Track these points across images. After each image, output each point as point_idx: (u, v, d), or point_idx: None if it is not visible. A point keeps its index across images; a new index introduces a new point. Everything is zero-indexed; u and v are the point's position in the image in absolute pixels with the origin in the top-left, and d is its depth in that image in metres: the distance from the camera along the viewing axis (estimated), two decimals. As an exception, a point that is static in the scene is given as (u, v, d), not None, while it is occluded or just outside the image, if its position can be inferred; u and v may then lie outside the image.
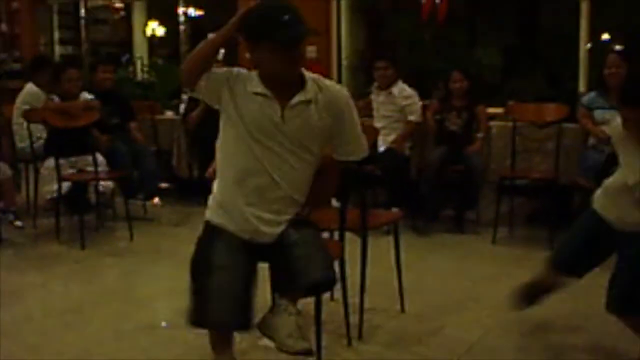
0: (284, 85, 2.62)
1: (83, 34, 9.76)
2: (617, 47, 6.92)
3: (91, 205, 5.92)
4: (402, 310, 3.80)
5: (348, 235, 3.36)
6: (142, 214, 6.21)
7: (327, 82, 2.76)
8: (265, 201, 2.65)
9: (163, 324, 3.67)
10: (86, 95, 5.94)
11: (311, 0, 7.29)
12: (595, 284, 3.24)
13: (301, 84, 2.64)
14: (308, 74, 2.68)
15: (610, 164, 4.69)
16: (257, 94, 2.62)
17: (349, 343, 3.36)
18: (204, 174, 5.93)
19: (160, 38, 10.15)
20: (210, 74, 2.69)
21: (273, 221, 2.67)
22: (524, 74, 8.09)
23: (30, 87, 6.47)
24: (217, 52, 2.79)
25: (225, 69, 2.75)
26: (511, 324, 3.66)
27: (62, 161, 5.44)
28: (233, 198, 2.68)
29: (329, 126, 2.68)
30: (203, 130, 6.23)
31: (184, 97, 7.42)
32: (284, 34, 2.55)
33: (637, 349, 3.10)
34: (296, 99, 2.62)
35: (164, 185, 6.81)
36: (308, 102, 2.63)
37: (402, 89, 5.93)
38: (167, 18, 9.72)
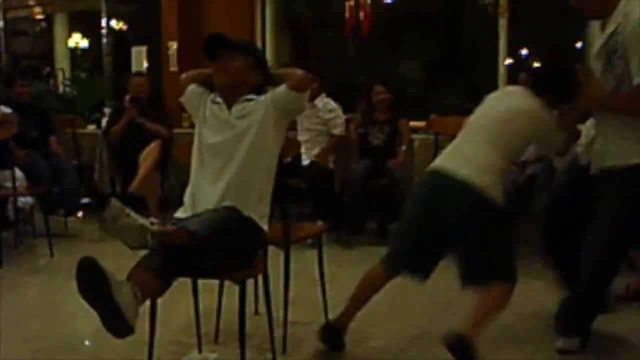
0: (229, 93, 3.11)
1: (2, 45, 9.55)
2: (534, 65, 7.14)
3: (10, 221, 5.77)
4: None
5: (272, 248, 3.38)
6: (62, 230, 6.08)
7: None
8: None
9: (86, 342, 3.60)
10: (3, 109, 5.79)
11: (235, 13, 7.36)
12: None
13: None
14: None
15: (530, 180, 4.87)
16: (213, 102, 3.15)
17: (274, 357, 3.35)
18: (127, 188, 5.90)
19: (83, 50, 9.99)
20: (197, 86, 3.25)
21: None
22: (446, 87, 8.25)
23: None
24: (205, 82, 3.24)
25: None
26: (437, 332, 3.71)
27: (-21, 177, 5.30)
28: None
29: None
30: (125, 145, 6.17)
31: (107, 110, 7.33)
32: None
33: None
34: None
35: (85, 200, 6.69)
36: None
37: (326, 103, 5.99)
38: (90, 30, 9.59)
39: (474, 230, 3.18)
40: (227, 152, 3.03)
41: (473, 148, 3.31)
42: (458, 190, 3.16)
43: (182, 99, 3.30)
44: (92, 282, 2.40)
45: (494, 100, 3.55)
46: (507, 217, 3.32)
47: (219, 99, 3.15)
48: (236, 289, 2.86)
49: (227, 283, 3.29)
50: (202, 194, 3.02)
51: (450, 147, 3.42)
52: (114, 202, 2.60)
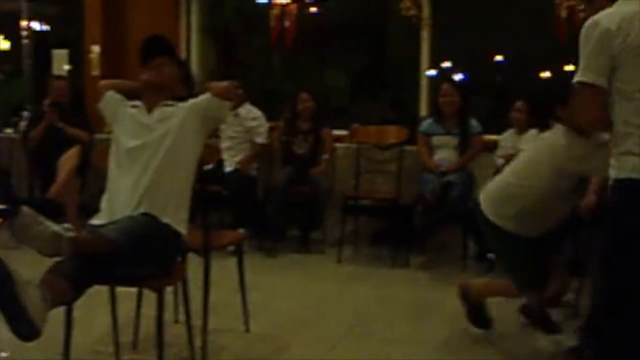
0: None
1: None
2: (457, 76, 7.29)
3: None
4: (247, 330, 3.81)
5: (193, 256, 3.37)
6: (-22, 237, 5.91)
7: None
8: None
9: (3, 354, 3.51)
10: None
11: (160, 19, 7.29)
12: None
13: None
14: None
15: (446, 188, 4.99)
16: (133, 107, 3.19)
17: (193, 365, 3.34)
18: (46, 194, 5.78)
19: (2, 52, 9.74)
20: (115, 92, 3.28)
21: None
22: (370, 97, 8.34)
23: None
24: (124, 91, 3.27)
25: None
26: (356, 340, 3.76)
27: None
28: None
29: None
30: (45, 149, 6.04)
31: (26, 114, 7.16)
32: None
33: None
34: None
35: (1, 206, 6.51)
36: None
37: (249, 110, 5.99)
38: (10, 31, 9.35)
39: None
40: (144, 157, 3.02)
41: None
42: None
43: (100, 105, 3.29)
44: None
45: None
46: None
47: (138, 104, 3.16)
48: (155, 296, 2.85)
49: (146, 291, 3.26)
50: (119, 200, 2.99)
51: None
52: (25, 210, 2.54)
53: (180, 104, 3.13)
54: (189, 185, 3.10)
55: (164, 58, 3.16)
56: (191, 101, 3.14)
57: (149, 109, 3.13)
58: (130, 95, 3.26)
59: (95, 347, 3.53)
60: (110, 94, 3.26)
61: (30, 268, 2.62)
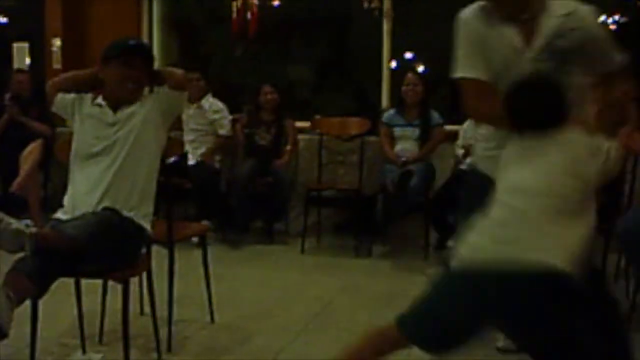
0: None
1: None
2: (419, 68, 7.37)
3: None
4: (212, 321, 3.85)
5: (158, 248, 3.40)
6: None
7: None
8: None
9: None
10: None
11: (121, 10, 7.27)
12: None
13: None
14: None
15: (405, 177, 5.06)
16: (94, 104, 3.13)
17: (159, 356, 3.37)
18: (7, 188, 5.75)
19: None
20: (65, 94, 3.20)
21: None
22: (333, 89, 8.38)
23: None
24: (79, 85, 3.21)
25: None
26: (319, 329, 3.81)
27: None
28: None
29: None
30: (6, 144, 6.00)
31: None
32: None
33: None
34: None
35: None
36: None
37: (212, 103, 6.01)
38: (-32, 24, 9.24)
39: None
40: (107, 156, 3.04)
41: None
42: None
43: (53, 109, 3.26)
44: None
45: None
46: None
47: (101, 101, 3.14)
48: (121, 289, 2.88)
49: (111, 283, 3.28)
50: (82, 197, 3.01)
51: None
52: None
53: (143, 101, 3.14)
54: (153, 179, 3.13)
55: (137, 62, 3.11)
56: (150, 96, 3.16)
57: (114, 108, 3.11)
58: (87, 84, 3.21)
59: (61, 340, 3.53)
60: (60, 98, 3.20)
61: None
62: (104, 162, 3.03)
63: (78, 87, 3.21)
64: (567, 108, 2.19)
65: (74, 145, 3.15)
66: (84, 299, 3.37)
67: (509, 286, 1.99)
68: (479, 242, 2.11)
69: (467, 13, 2.60)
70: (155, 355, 3.35)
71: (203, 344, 3.60)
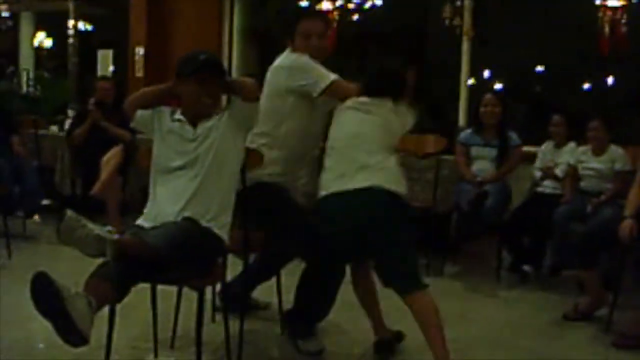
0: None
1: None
2: (496, 86, 7.30)
3: (-32, 220, 5.73)
4: (282, 333, 3.87)
5: (233, 257, 3.44)
6: (21, 231, 6.05)
7: None
8: None
9: (40, 345, 3.60)
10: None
11: (204, 21, 7.40)
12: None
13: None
14: None
15: (481, 197, 5.00)
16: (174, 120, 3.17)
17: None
18: (88, 191, 5.90)
19: (48, 50, 9.94)
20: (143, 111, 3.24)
21: None
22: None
23: None
24: (156, 101, 3.25)
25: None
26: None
27: (-62, 174, 5.27)
28: None
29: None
30: (88, 148, 6.17)
31: (70, 112, 7.31)
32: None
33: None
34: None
35: (45, 202, 6.66)
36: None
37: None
38: (56, 30, 9.54)
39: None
40: (189, 172, 3.08)
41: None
42: None
43: (133, 124, 3.32)
44: (45, 296, 2.44)
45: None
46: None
47: (180, 117, 3.18)
48: (194, 295, 2.92)
49: (185, 289, 3.33)
50: (164, 209, 3.05)
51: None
52: (70, 214, 2.62)
53: (220, 115, 3.17)
54: (232, 190, 3.18)
55: (211, 78, 3.13)
56: (227, 109, 3.20)
57: (194, 124, 3.15)
58: (163, 100, 3.26)
59: (134, 343, 3.61)
60: (139, 115, 3.25)
61: (73, 263, 2.72)
62: (185, 176, 3.08)
63: (155, 102, 3.25)
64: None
65: (155, 158, 3.20)
66: (158, 303, 3.42)
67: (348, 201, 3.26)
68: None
69: None
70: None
71: (274, 355, 3.62)
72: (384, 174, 3.33)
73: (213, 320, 3.84)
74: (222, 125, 3.13)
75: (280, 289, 3.87)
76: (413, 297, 3.29)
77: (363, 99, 3.48)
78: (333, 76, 3.56)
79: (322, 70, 3.59)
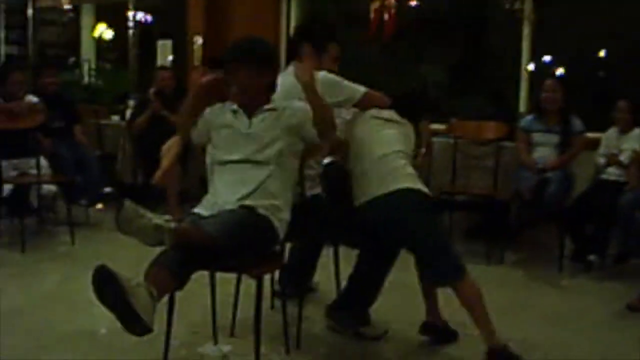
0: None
1: (30, 34, 9.66)
2: (557, 72, 7.14)
3: (33, 208, 5.87)
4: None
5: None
6: (84, 219, 6.17)
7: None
8: None
9: (103, 330, 3.67)
10: (31, 98, 5.89)
11: (261, 10, 7.41)
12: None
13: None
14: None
15: (542, 184, 4.90)
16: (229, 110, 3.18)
17: (287, 352, 3.40)
18: (149, 180, 5.97)
19: (109, 41, 10.07)
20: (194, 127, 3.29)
21: None
22: (468, 91, 8.24)
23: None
24: (199, 108, 3.27)
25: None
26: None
27: (4, 163, 5.39)
28: None
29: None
30: (149, 137, 6.24)
31: (131, 102, 7.41)
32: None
33: None
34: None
35: (107, 190, 6.77)
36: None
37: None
38: (117, 21, 9.67)
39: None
40: (247, 168, 3.08)
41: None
42: None
43: (195, 143, 3.38)
44: (108, 288, 2.49)
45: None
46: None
47: (235, 107, 3.18)
48: (253, 282, 2.93)
49: (243, 277, 3.35)
50: (222, 199, 3.05)
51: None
52: (128, 204, 2.66)
53: (282, 109, 3.15)
54: (291, 187, 3.18)
55: (232, 67, 3.11)
56: (296, 121, 3.14)
57: (248, 115, 3.15)
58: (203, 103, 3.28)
59: (194, 329, 3.65)
60: (195, 135, 3.30)
61: (134, 250, 2.75)
62: (243, 169, 3.08)
63: (199, 110, 3.27)
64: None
65: (212, 151, 3.23)
66: (216, 289, 3.45)
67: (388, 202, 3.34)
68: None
69: None
70: (283, 350, 3.39)
71: (332, 342, 3.62)
72: (412, 177, 3.49)
73: (272, 306, 3.85)
74: (280, 125, 3.12)
75: (338, 277, 3.86)
76: (457, 286, 3.35)
77: (387, 111, 3.66)
78: (362, 88, 3.68)
79: (349, 83, 3.69)
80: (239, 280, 3.53)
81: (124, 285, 2.48)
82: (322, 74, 3.54)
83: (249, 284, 3.08)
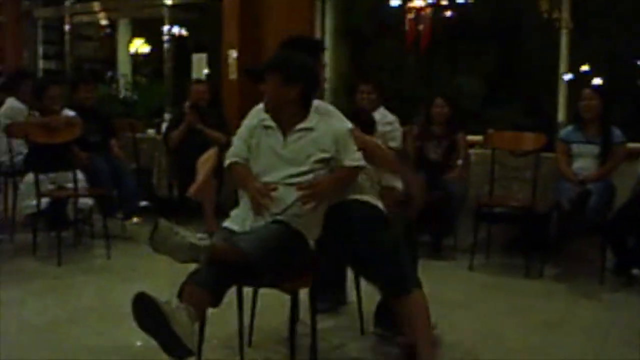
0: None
1: (67, 49, 9.77)
2: (595, 81, 7.04)
3: (69, 221, 5.90)
4: (362, 332, 3.82)
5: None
6: (120, 232, 6.19)
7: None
8: None
9: (138, 343, 3.65)
10: (68, 112, 5.93)
11: (296, 22, 7.41)
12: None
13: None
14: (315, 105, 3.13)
15: (583, 196, 4.80)
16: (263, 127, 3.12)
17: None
18: (184, 193, 5.98)
19: (145, 56, 10.17)
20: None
21: None
22: (503, 102, 8.16)
23: (12, 101, 6.41)
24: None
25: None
26: (486, 351, 3.68)
27: (41, 177, 5.43)
28: None
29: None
30: (184, 150, 6.25)
31: (167, 116, 7.44)
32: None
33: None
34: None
35: (143, 203, 6.79)
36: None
37: (384, 115, 5.94)
38: (152, 36, 9.76)
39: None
40: (281, 187, 3.00)
41: None
42: None
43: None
44: (149, 316, 2.50)
45: None
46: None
47: (269, 123, 3.11)
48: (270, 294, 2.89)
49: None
50: (255, 218, 3.00)
51: None
52: (163, 223, 2.67)
53: (321, 133, 3.06)
54: (325, 206, 3.11)
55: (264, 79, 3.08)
56: (326, 142, 3.06)
57: (283, 131, 3.08)
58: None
59: (225, 343, 3.61)
60: (238, 170, 3.17)
61: (170, 264, 2.74)
62: (279, 194, 2.99)
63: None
64: None
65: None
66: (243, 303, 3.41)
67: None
68: None
69: None
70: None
71: (351, 356, 3.56)
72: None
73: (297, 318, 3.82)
74: (317, 146, 3.04)
75: (359, 288, 3.80)
76: (405, 298, 3.10)
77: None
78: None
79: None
80: (255, 293, 3.48)
81: (166, 312, 2.48)
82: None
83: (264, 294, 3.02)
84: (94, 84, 6.66)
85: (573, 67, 6.62)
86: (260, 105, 3.18)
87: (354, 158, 3.08)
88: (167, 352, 2.55)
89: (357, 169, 3.10)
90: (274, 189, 2.96)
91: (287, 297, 3.01)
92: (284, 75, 3.02)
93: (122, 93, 9.07)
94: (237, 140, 3.21)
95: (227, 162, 3.19)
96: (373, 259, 3.09)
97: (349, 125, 3.15)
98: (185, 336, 2.50)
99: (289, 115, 3.07)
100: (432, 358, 3.05)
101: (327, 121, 3.13)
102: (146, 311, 2.50)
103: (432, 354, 3.08)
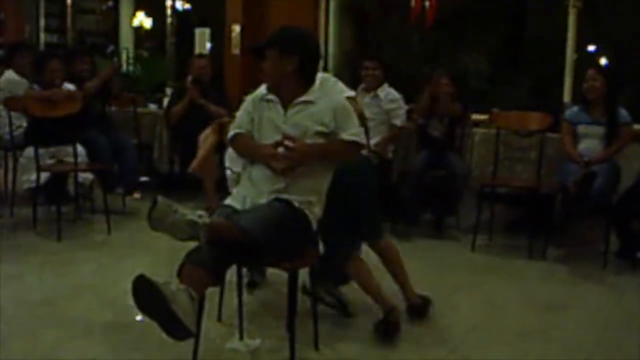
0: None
1: (69, 22, 9.69)
2: (602, 61, 6.96)
3: (69, 196, 5.86)
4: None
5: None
6: (120, 207, 6.15)
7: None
8: None
9: (138, 317, 3.61)
10: (68, 86, 5.87)
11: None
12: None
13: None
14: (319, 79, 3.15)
15: (589, 178, 4.74)
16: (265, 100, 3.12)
17: (316, 348, 3.33)
18: (185, 168, 5.93)
19: (147, 30, 10.08)
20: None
21: None
22: (509, 81, 8.09)
23: (9, 73, 6.28)
24: None
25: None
26: (488, 332, 3.65)
27: (41, 151, 5.39)
28: None
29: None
30: (185, 125, 6.20)
31: (168, 90, 7.38)
32: None
33: None
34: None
35: (144, 179, 6.75)
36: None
37: (388, 92, 5.90)
38: (155, 10, 9.68)
39: None
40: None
41: None
42: None
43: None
44: (149, 299, 2.46)
45: None
46: None
47: (271, 97, 3.10)
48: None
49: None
50: (256, 191, 2.99)
51: None
52: (161, 201, 2.63)
53: (321, 108, 3.05)
54: (324, 180, 3.09)
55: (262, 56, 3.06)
56: (325, 116, 3.04)
57: (284, 105, 3.07)
58: None
59: (224, 320, 3.59)
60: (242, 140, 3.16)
61: (169, 241, 2.71)
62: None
63: None
64: None
65: None
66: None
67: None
68: None
69: None
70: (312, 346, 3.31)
71: (361, 339, 3.53)
72: None
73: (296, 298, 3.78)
74: (316, 119, 3.03)
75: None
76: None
77: None
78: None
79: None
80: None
81: (165, 293, 2.45)
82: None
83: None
84: (90, 57, 6.59)
85: (579, 47, 6.54)
86: None
87: (352, 133, 3.04)
88: (167, 334, 2.52)
89: (355, 144, 3.05)
90: (282, 144, 2.95)
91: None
92: (281, 48, 3.01)
93: (124, 67, 8.99)
94: (240, 113, 3.20)
95: (230, 133, 3.17)
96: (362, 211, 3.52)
97: (349, 93, 3.11)
98: (186, 317, 2.47)
99: (289, 89, 3.05)
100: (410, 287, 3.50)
101: (330, 96, 3.11)
102: (146, 294, 2.47)
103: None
